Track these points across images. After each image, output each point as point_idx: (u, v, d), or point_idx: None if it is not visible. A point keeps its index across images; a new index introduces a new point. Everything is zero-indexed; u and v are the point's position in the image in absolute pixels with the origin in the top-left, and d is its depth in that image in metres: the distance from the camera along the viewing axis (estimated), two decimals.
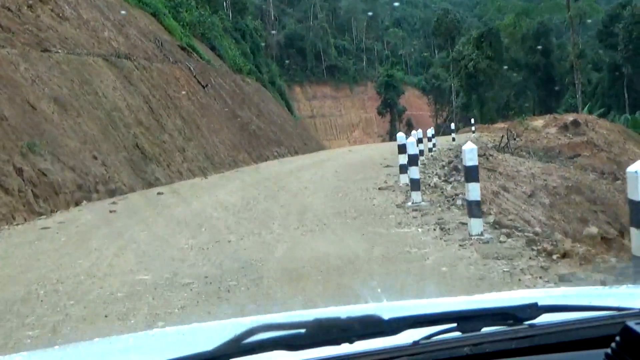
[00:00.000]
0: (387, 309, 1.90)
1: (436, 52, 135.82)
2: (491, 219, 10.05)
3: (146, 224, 12.34)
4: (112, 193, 20.12)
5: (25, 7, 25.52)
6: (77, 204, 17.51)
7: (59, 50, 24.71)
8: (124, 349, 2.14)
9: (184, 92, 32.77)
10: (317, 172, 21.22)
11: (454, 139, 33.14)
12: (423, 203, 12.12)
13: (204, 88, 35.87)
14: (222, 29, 55.29)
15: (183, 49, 39.92)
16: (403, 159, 16.03)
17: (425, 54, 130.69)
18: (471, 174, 9.25)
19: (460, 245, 8.44)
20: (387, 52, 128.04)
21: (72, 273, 8.57)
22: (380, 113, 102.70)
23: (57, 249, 10.43)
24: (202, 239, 10.39)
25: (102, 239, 10.97)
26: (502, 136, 32.86)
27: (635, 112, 57.21)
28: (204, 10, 51.74)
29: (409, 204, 12.20)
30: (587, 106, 58.30)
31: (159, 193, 18.06)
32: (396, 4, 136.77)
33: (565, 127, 38.45)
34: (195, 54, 41.13)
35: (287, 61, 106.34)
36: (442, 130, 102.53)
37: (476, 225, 8.95)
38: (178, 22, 44.46)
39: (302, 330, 1.47)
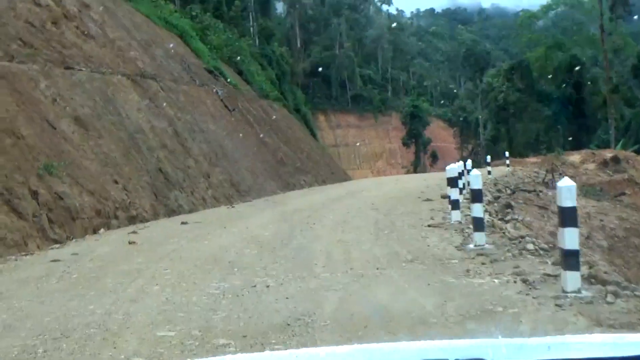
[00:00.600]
0: (502, 349, 1.82)
1: (462, 83, 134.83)
2: (584, 270, 8.32)
3: (170, 260, 10.83)
4: (132, 220, 18.76)
5: (50, 23, 24.31)
6: (94, 230, 16.16)
7: (83, 68, 23.45)
8: None
9: (210, 115, 31.44)
10: (353, 204, 19.74)
11: (489, 172, 31.37)
12: (487, 246, 10.47)
13: (230, 112, 34.56)
14: (249, 54, 54.17)
15: (210, 72, 38.74)
16: (455, 194, 14.55)
17: (451, 85, 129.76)
18: (568, 216, 7.58)
19: (557, 305, 6.76)
20: (412, 82, 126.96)
21: (81, 323, 7.02)
22: (405, 144, 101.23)
23: (67, 289, 8.89)
24: (236, 282, 8.85)
25: (119, 278, 9.45)
26: (547, 171, 31.17)
27: None
28: (232, 33, 50.71)
29: (471, 246, 10.58)
30: (620, 142, 56.46)
31: (183, 223, 16.57)
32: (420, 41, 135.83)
33: (604, 164, 36.75)
34: (221, 78, 39.90)
35: (312, 89, 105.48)
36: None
37: (573, 279, 7.22)
38: (205, 45, 43.38)
39: None
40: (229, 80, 41.01)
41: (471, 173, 12.73)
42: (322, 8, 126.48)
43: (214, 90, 34.90)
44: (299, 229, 14.27)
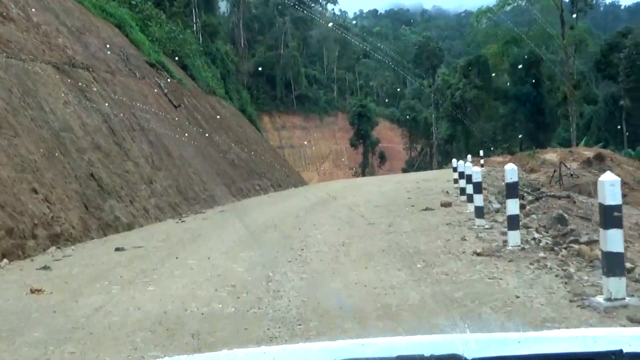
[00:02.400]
0: (472, 344, 1.79)
1: (408, 83, 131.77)
2: None
3: (84, 330, 6.33)
4: (55, 239, 14.34)
5: None
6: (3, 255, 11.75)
7: None
8: None
9: (153, 111, 26.87)
10: (337, 217, 15.61)
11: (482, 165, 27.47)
12: (630, 299, 6.26)
13: (175, 108, 30.04)
14: (194, 49, 49.53)
15: (152, 65, 34.14)
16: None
17: (395, 86, 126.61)
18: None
19: None
20: (359, 82, 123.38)
21: None
22: (352, 144, 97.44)
23: None
24: None
25: None
26: (554, 171, 27.40)
27: (634, 147, 52.39)
28: (175, 25, 46.04)
29: (600, 299, 6.33)
30: (583, 140, 53.35)
31: (118, 249, 12.07)
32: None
33: (588, 162, 33.22)
34: (165, 72, 35.29)
35: (256, 89, 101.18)
36: (416, 164, 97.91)
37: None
38: (146, 37, 38.77)
39: None
40: (172, 74, 36.45)
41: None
42: (266, 7, 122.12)
43: (157, 83, 30.32)
44: (284, 258, 9.95)
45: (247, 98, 73.56)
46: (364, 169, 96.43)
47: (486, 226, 12.22)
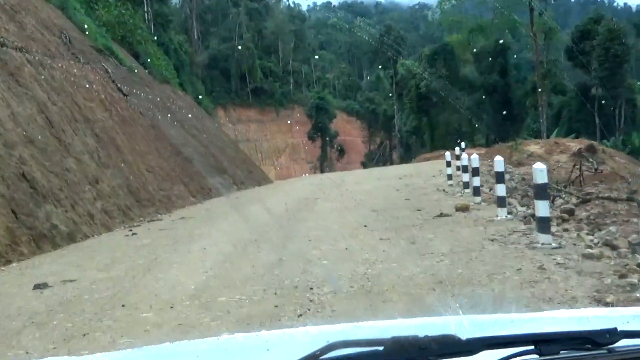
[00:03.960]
0: (465, 324, 1.76)
1: (365, 75, 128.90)
2: None
3: None
4: None
5: None
6: None
7: None
8: (197, 353, 1.94)
9: (99, 100, 22.97)
10: (331, 228, 12.09)
11: (459, 167, 24.08)
12: None
13: (125, 97, 26.14)
14: (146, 36, 45.53)
15: (98, 50, 30.19)
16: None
17: (352, 77, 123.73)
18: None
19: None
20: (315, 75, 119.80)
21: None
22: (310, 138, 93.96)
23: None
24: None
25: None
26: (574, 165, 24.19)
27: (607, 138, 49.77)
28: (125, 9, 41.93)
29: None
30: (555, 131, 50.55)
31: (38, 286, 8.25)
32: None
33: (578, 154, 30.11)
34: (113, 58, 31.36)
35: (210, 82, 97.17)
36: (376, 158, 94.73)
37: None
38: (93, 20, 34.80)
39: (380, 348, 1.41)
40: (122, 61, 32.54)
41: None
42: None
43: (104, 69, 26.40)
44: (287, 310, 6.35)
45: (202, 91, 69.92)
46: (323, 163, 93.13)
47: (553, 244, 8.79)
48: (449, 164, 21.72)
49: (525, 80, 63.97)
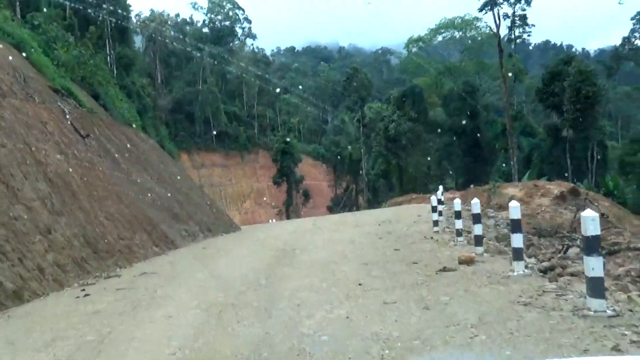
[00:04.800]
0: None
1: (330, 119, 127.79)
2: None
3: None
4: None
5: None
6: None
7: None
8: None
9: (54, 142, 20.95)
10: (319, 288, 10.17)
11: (439, 212, 22.31)
12: None
13: (83, 139, 24.12)
14: (108, 78, 43.55)
15: (56, 91, 28.16)
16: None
17: (317, 121, 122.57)
18: None
19: None
20: (280, 118, 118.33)
21: None
22: (276, 182, 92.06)
23: None
24: None
25: None
26: (578, 209, 22.66)
27: (580, 180, 48.63)
28: (85, 49, 40.00)
29: None
30: (527, 174, 49.39)
31: None
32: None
33: (561, 198, 28.73)
34: (71, 99, 29.35)
35: (174, 126, 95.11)
36: (342, 202, 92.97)
37: None
38: (51, 60, 32.86)
39: None
40: (82, 103, 30.53)
41: None
42: (184, 42, 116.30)
43: (61, 109, 24.40)
44: None
45: (165, 135, 67.92)
46: (288, 208, 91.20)
47: (608, 312, 7.01)
48: (434, 209, 19.96)
49: (494, 123, 63.10)
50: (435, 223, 19.51)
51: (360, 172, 78.50)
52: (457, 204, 16.12)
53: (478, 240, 13.18)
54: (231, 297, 9.99)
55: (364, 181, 75.15)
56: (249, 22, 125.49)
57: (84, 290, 12.64)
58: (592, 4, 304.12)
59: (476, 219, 13.31)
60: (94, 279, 14.72)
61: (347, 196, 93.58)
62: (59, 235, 17.25)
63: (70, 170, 20.89)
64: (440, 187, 31.82)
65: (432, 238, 17.21)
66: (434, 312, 7.80)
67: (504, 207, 28.91)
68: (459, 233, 15.93)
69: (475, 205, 13.35)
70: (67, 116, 24.29)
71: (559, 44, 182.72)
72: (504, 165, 56.41)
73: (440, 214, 21.11)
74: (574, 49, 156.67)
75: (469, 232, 19.21)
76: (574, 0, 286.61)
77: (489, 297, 8.43)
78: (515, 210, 10.39)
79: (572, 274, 10.02)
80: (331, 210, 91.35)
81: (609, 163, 56.54)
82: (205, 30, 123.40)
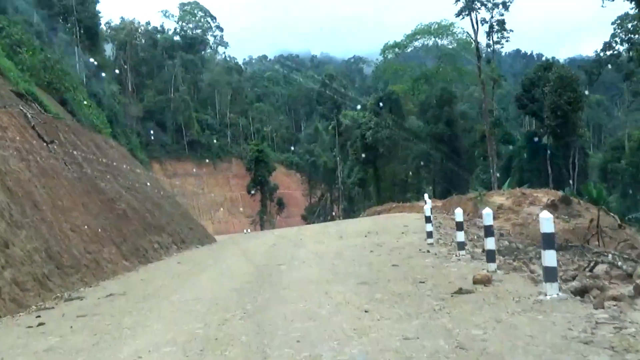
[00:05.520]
0: None
1: (303, 127, 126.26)
2: None
3: None
4: None
5: None
6: None
7: None
8: None
9: (14, 148, 19.07)
10: (337, 325, 8.35)
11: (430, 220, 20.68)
12: None
13: (47, 145, 22.25)
14: (76, 83, 41.63)
15: (20, 95, 26.28)
16: None
17: (290, 129, 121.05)
18: None
19: None
20: (253, 127, 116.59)
21: None
22: (249, 191, 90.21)
23: None
24: None
25: None
26: (591, 220, 21.24)
27: (561, 188, 47.38)
28: (52, 53, 38.17)
29: None
30: (507, 181, 48.01)
31: None
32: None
33: (553, 207, 27.26)
34: (36, 105, 27.46)
35: (145, 135, 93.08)
36: (317, 211, 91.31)
37: None
38: (15, 64, 31.06)
39: None
40: (47, 108, 28.66)
41: None
42: (155, 50, 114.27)
43: (23, 112, 22.53)
44: None
45: (136, 143, 66.14)
46: (262, 217, 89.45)
47: None
48: (428, 220, 18.33)
49: (472, 130, 61.80)
50: (430, 234, 17.94)
51: (336, 180, 76.81)
52: (459, 214, 14.54)
53: (491, 256, 11.57)
54: (213, 327, 8.30)
55: (340, 190, 73.46)
56: (221, 30, 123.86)
57: (39, 317, 10.83)
58: (561, 13, 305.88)
59: (488, 231, 11.70)
60: (53, 301, 12.95)
61: (321, 205, 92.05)
62: (18, 250, 15.45)
63: (32, 178, 19.03)
64: (426, 195, 30.25)
65: (428, 251, 15.63)
66: (472, 352, 6.19)
67: (494, 217, 27.52)
68: (461, 246, 14.35)
69: (488, 216, 11.74)
70: (30, 121, 22.40)
71: (529, 53, 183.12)
72: (483, 173, 55.15)
73: (428, 220, 19.61)
74: (544, 58, 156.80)
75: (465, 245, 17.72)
76: (542, 9, 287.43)
77: (532, 330, 6.83)
78: (547, 222, 8.85)
79: (615, 298, 8.47)
80: (306, 219, 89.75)
81: (590, 170, 55.54)
82: (177, 38, 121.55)
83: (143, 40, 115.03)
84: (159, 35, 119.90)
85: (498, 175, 51.28)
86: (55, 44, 59.11)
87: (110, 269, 19.42)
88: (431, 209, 19.60)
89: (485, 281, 10.19)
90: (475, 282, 10.22)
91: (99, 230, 21.36)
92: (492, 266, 11.47)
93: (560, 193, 31.04)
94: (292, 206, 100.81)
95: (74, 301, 12.61)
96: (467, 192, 43.99)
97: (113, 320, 9.66)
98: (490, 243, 11.60)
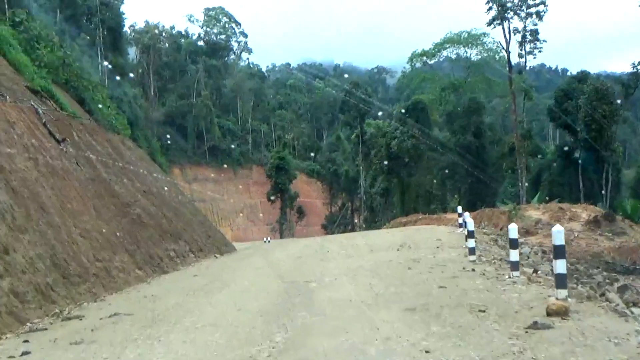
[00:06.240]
0: None
1: (324, 136, 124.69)
2: None
3: None
4: None
5: None
6: None
7: None
8: None
9: (22, 145, 17.51)
10: None
11: (469, 234, 18.85)
12: None
13: (59, 143, 20.68)
14: (95, 82, 40.15)
15: (35, 92, 24.81)
16: None
17: (312, 137, 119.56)
18: None
19: None
20: (275, 134, 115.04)
21: None
22: (269, 199, 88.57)
23: None
24: None
25: None
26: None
27: (593, 203, 45.33)
28: (71, 50, 36.78)
29: None
30: (537, 195, 46.06)
31: None
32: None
33: (595, 223, 25.42)
34: (52, 102, 25.98)
35: (166, 140, 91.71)
36: (337, 221, 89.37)
37: None
38: (32, 60, 29.64)
39: None
40: (63, 106, 27.16)
41: None
42: (178, 54, 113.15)
43: (34, 109, 20.99)
44: None
45: (157, 147, 64.73)
46: (282, 225, 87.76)
47: None
48: (471, 235, 16.51)
49: (500, 142, 59.77)
50: (472, 251, 16.15)
51: (358, 190, 74.88)
52: (513, 230, 12.73)
53: (561, 281, 9.73)
54: None
55: (362, 199, 71.53)
56: (245, 36, 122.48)
57: (27, 341, 9.13)
58: (588, 29, 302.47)
59: (558, 252, 9.84)
60: (50, 318, 11.28)
61: (342, 215, 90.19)
62: (20, 257, 13.90)
63: (40, 178, 17.44)
64: (459, 208, 28.45)
65: (473, 270, 13.86)
66: None
67: (530, 232, 25.68)
68: (514, 266, 12.55)
69: (559, 235, 9.90)
70: (42, 117, 20.86)
71: (554, 67, 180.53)
72: (511, 186, 53.18)
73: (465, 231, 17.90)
74: (568, 73, 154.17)
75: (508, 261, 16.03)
76: (568, 25, 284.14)
77: None
78: None
79: None
80: (326, 228, 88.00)
81: (623, 186, 53.36)
82: (201, 43, 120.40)
83: (167, 44, 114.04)
84: (182, 40, 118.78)
85: (527, 188, 49.27)
86: (76, 44, 57.93)
87: (122, 279, 17.80)
88: (468, 222, 17.76)
89: (563, 313, 8.42)
90: (550, 313, 8.45)
91: (111, 236, 19.75)
92: (563, 293, 9.65)
93: (597, 208, 29.15)
94: (312, 215, 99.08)
95: (72, 321, 10.87)
96: (494, 205, 42.19)
97: (112, 353, 7.91)
98: (561, 266, 9.77)
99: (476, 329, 7.89)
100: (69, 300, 14.19)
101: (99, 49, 69.09)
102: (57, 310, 12.53)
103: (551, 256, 19.96)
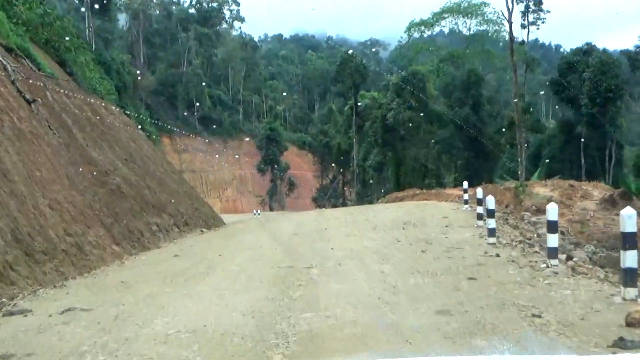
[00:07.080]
0: None
1: (316, 108, 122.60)
2: None
3: None
4: None
5: None
6: None
7: None
8: None
9: None
10: None
11: (482, 216, 16.94)
12: None
13: (29, 104, 18.46)
14: (78, 43, 37.69)
15: (9, 50, 22.51)
16: None
17: (303, 109, 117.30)
18: None
19: None
20: (266, 105, 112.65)
21: None
22: (260, 170, 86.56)
23: None
24: None
25: None
26: None
27: (594, 179, 43.43)
28: (52, 8, 34.44)
29: None
30: (537, 171, 44.02)
31: None
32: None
33: (611, 202, 23.41)
34: (27, 61, 23.69)
35: (156, 109, 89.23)
36: (328, 194, 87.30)
37: None
38: (9, 17, 27.39)
39: None
40: (40, 66, 24.88)
41: None
42: (169, 21, 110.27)
43: (3, 66, 18.75)
44: None
45: (146, 116, 62.52)
46: (272, 197, 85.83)
47: None
48: (492, 214, 14.48)
49: (499, 116, 57.65)
50: (492, 232, 14.15)
51: (350, 163, 72.70)
52: (553, 210, 10.72)
53: (631, 278, 7.72)
54: None
55: (354, 173, 69.37)
56: (238, 4, 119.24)
57: None
58: (582, 6, 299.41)
59: (629, 240, 7.81)
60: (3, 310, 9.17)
61: (333, 188, 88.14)
62: None
63: (4, 142, 15.26)
64: (465, 183, 26.48)
65: (498, 255, 11.88)
66: None
67: (541, 210, 23.69)
68: (553, 254, 10.53)
69: (630, 219, 7.86)
70: (10, 75, 18.63)
71: (547, 44, 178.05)
72: (510, 161, 51.17)
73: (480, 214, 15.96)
74: (562, 49, 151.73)
75: (531, 245, 14.16)
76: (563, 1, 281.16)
77: None
78: None
79: None
80: (316, 201, 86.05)
81: (625, 162, 51.40)
82: (192, 10, 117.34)
83: (157, 11, 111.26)
84: (174, 7, 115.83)
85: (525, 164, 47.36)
86: (61, 5, 55.64)
87: (96, 255, 15.70)
88: (489, 200, 15.73)
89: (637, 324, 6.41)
90: (632, 323, 6.43)
91: (86, 208, 17.59)
92: (632, 292, 7.64)
93: (608, 186, 27.21)
94: (302, 187, 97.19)
95: (15, 317, 8.62)
96: (492, 181, 40.26)
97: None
98: (631, 259, 7.73)
99: (542, 344, 5.86)
100: (30, 281, 12.15)
101: (86, 12, 66.39)
102: (27, 282, 10.51)
103: (582, 242, 18.03)
